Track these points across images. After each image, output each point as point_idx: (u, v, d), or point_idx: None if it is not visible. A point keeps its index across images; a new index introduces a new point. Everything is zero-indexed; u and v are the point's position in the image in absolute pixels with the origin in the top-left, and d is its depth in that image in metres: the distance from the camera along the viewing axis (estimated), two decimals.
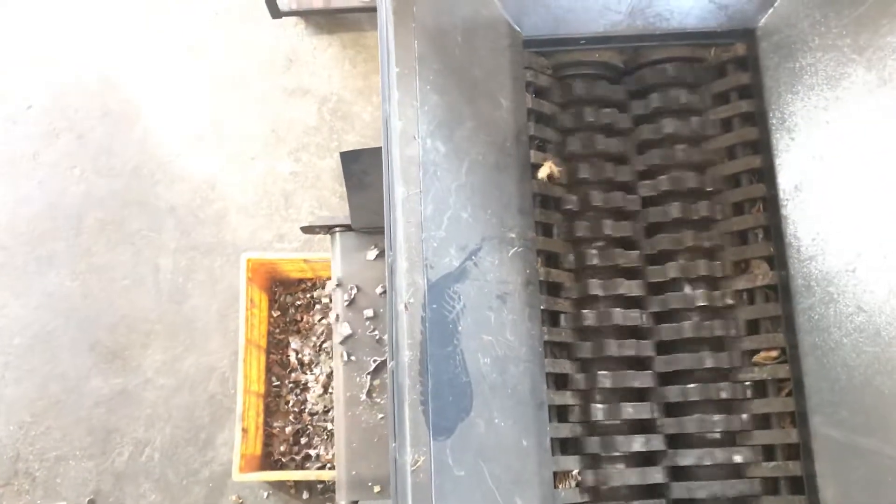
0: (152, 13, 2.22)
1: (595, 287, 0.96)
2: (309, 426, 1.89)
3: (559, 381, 0.95)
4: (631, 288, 0.97)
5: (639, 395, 0.97)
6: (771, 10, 0.98)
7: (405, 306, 0.78)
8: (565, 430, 0.93)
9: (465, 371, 0.81)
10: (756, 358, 0.95)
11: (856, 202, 0.88)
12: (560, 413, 0.94)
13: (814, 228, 0.90)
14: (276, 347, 1.96)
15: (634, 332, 0.98)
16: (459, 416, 0.79)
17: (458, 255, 0.83)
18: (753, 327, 0.97)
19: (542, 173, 0.98)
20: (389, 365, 0.66)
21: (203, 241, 2.08)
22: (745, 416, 0.94)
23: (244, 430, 1.73)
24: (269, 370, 1.94)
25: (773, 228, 0.95)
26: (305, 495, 1.86)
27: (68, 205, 2.10)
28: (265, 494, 1.88)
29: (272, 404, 1.91)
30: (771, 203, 0.96)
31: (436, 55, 0.85)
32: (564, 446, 0.93)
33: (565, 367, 0.95)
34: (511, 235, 0.90)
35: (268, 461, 1.87)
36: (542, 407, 0.89)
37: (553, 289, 0.97)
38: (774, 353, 0.94)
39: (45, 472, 1.93)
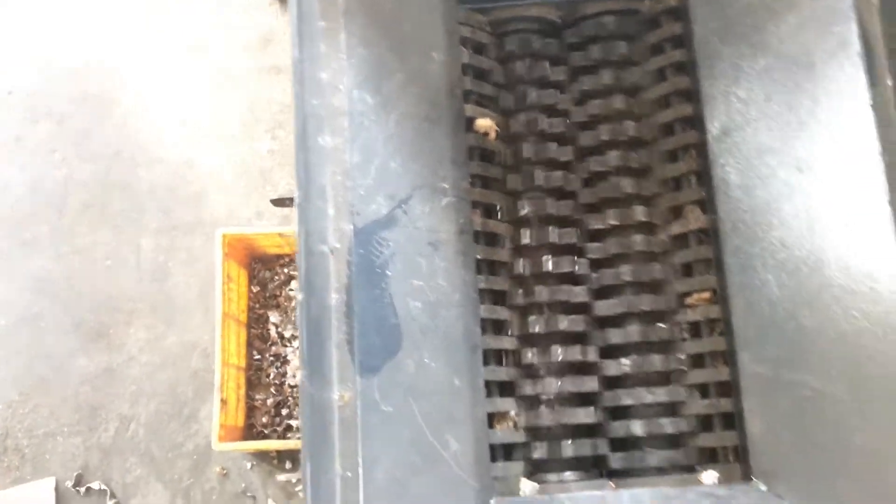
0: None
1: (530, 236, 0.99)
2: (289, 398, 1.92)
3: (497, 327, 0.98)
4: (566, 236, 0.99)
5: (576, 338, 0.99)
6: None
7: (331, 251, 0.80)
8: (502, 374, 0.96)
9: (394, 313, 0.83)
10: (689, 300, 0.97)
11: (777, 144, 0.90)
12: (497, 357, 0.97)
13: (739, 171, 0.92)
14: (256, 322, 1.99)
15: (571, 279, 1.00)
16: (387, 355, 0.82)
17: (387, 203, 0.86)
18: (688, 271, 0.99)
19: (480, 127, 1.01)
20: (298, 301, 0.68)
21: (183, 221, 2.11)
22: (680, 356, 0.97)
23: (223, 401, 1.76)
24: (250, 344, 1.98)
25: (705, 174, 0.97)
26: (288, 465, 1.90)
27: (50, 189, 2.13)
28: (248, 465, 1.92)
29: (254, 378, 1.95)
30: (702, 149, 0.98)
31: (363, 9, 0.87)
32: (502, 388, 0.96)
33: (502, 313, 0.98)
34: (444, 185, 0.92)
35: (250, 433, 1.90)
36: (476, 350, 0.91)
37: (490, 239, 1.00)
38: (706, 295, 0.96)
39: (34, 449, 1.97)
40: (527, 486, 0.93)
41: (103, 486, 1.93)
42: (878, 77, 0.85)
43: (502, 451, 0.94)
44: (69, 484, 1.93)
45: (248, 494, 1.90)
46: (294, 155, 0.70)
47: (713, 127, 0.96)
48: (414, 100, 0.91)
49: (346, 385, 0.79)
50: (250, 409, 1.92)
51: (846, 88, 0.85)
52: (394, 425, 0.81)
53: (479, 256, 0.96)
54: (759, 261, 0.90)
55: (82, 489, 1.92)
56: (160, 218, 2.11)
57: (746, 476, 0.89)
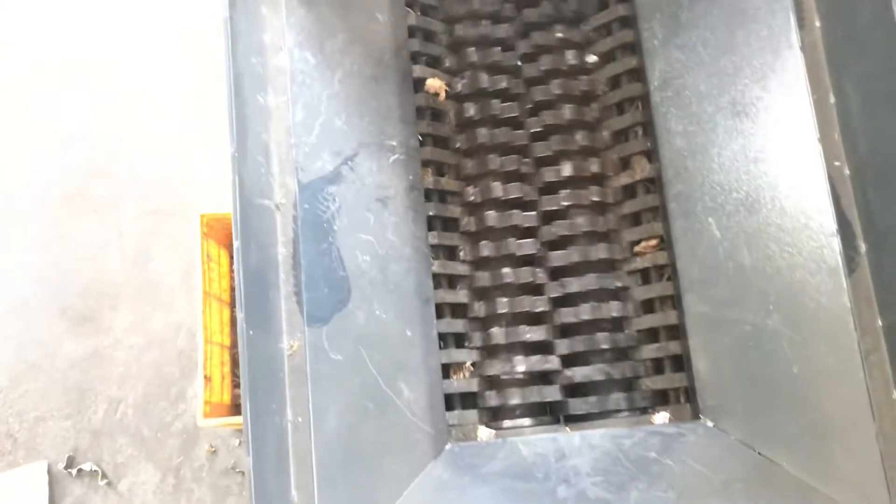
0: None
1: (483, 193, 1.01)
2: None
3: (452, 281, 1.00)
4: (514, 191, 1.01)
5: (530, 290, 1.01)
6: None
7: (277, 206, 0.83)
8: (457, 326, 0.98)
9: (342, 266, 0.86)
10: (637, 248, 1.00)
11: (714, 91, 0.91)
12: (454, 310, 0.99)
13: (680, 119, 0.94)
14: None
15: (525, 233, 1.02)
16: (336, 306, 0.84)
17: (333, 160, 0.88)
18: (637, 220, 1.01)
19: (430, 87, 1.03)
20: (235, 249, 0.70)
21: (165, 205, 2.13)
22: (630, 303, 0.99)
23: (207, 378, 1.79)
24: (234, 324, 2.00)
25: (650, 124, 0.99)
26: None
27: (34, 178, 2.16)
28: (237, 442, 1.94)
29: (239, 355, 1.97)
30: (646, 100, 1.00)
31: None
32: (458, 340, 0.98)
33: (456, 268, 1.00)
34: (391, 143, 0.94)
35: (238, 410, 1.93)
36: (429, 302, 0.94)
37: (443, 196, 1.02)
38: (654, 242, 0.98)
39: (26, 433, 2.00)
40: (483, 433, 0.95)
41: (94, 468, 1.96)
42: (805, 20, 0.87)
43: (459, 400, 0.97)
44: (61, 466, 1.97)
45: (237, 470, 1.93)
46: (227, 111, 0.72)
47: (654, 77, 0.98)
48: (358, 59, 0.93)
49: (295, 336, 0.81)
50: (237, 387, 1.95)
51: (777, 32, 0.87)
52: (344, 373, 0.83)
53: (431, 213, 0.99)
54: (699, 205, 0.92)
55: (74, 471, 1.95)
56: (141, 203, 2.13)
57: (695, 414, 0.92)
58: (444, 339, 0.97)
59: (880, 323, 0.80)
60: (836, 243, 0.82)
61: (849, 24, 0.82)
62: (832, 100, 0.84)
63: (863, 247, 0.82)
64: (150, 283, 2.07)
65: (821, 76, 0.85)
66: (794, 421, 0.83)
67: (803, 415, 0.83)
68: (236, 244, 0.70)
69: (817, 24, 0.87)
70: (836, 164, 0.84)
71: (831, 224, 0.82)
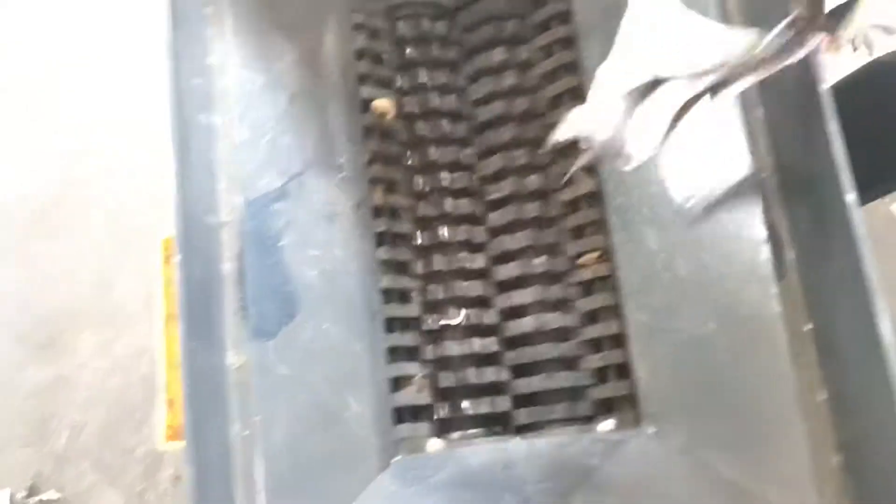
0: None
1: (428, 208, 1.03)
2: None
3: (402, 296, 1.02)
4: (462, 206, 1.04)
5: (477, 303, 1.03)
6: None
7: (222, 223, 0.84)
8: (407, 339, 1.00)
9: (290, 281, 0.87)
10: (581, 260, 1.02)
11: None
12: (405, 324, 1.01)
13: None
14: None
15: (476, 248, 1.05)
16: (283, 321, 0.86)
17: (279, 178, 0.90)
18: (580, 233, 1.04)
19: (377, 108, 1.05)
20: (176, 264, 0.72)
21: (129, 228, 2.13)
22: (574, 314, 1.02)
23: (170, 402, 1.78)
24: None
25: None
26: None
27: None
28: None
29: None
30: None
31: None
32: (408, 353, 1.00)
33: (406, 283, 1.02)
34: (339, 161, 0.97)
35: None
36: (376, 316, 0.95)
37: (393, 213, 1.04)
38: (596, 255, 1.01)
39: None
40: (433, 445, 0.97)
41: (57, 495, 1.94)
42: None
43: (410, 413, 0.98)
44: (22, 495, 1.94)
45: None
46: (170, 130, 0.74)
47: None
48: (306, 80, 0.95)
49: (242, 350, 0.82)
50: None
51: None
52: (291, 387, 0.84)
53: (381, 229, 1.01)
54: (637, 216, 0.95)
55: (36, 499, 1.93)
56: (107, 226, 2.14)
57: (638, 421, 0.94)
58: (395, 353, 0.99)
59: (808, 327, 0.83)
60: (766, 251, 0.85)
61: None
62: (759, 111, 0.88)
63: (791, 253, 0.85)
64: (115, 307, 2.06)
65: (749, 88, 0.89)
66: (729, 425, 0.86)
67: (738, 419, 0.85)
68: (177, 259, 0.72)
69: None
70: (765, 174, 0.87)
71: (761, 232, 0.85)
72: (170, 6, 0.75)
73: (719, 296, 0.87)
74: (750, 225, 0.86)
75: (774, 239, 0.86)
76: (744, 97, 0.89)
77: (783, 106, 0.85)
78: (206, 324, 0.79)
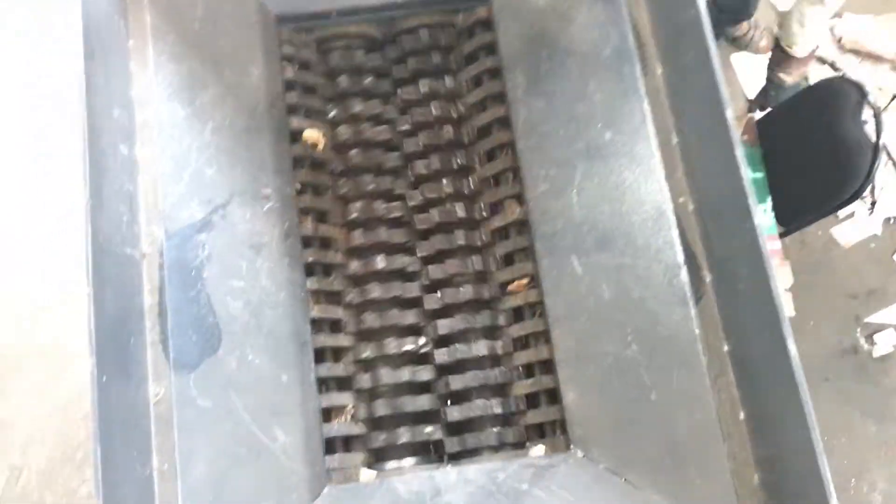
0: None
1: (362, 238, 1.04)
2: None
3: (334, 326, 1.02)
4: (395, 235, 1.05)
5: (409, 332, 1.03)
6: None
7: (142, 256, 0.84)
8: (339, 369, 0.99)
9: (212, 313, 0.87)
10: (510, 287, 1.03)
11: (572, 134, 0.97)
12: (335, 354, 1.00)
13: (542, 163, 0.99)
14: None
15: (402, 276, 1.05)
16: (205, 353, 0.85)
17: (202, 209, 0.89)
18: (509, 260, 1.05)
19: (307, 139, 1.06)
20: (87, 297, 0.71)
21: (70, 268, 2.09)
22: (505, 340, 1.02)
23: None
24: None
25: (518, 169, 1.04)
26: None
27: None
28: None
29: None
30: (514, 147, 1.04)
31: (171, 26, 0.92)
32: (340, 384, 1.00)
33: (337, 312, 1.02)
34: (266, 191, 0.97)
35: None
36: (306, 347, 0.95)
37: (324, 243, 1.04)
38: (525, 281, 1.02)
39: None
40: (365, 474, 0.96)
41: None
42: (648, 67, 0.93)
43: (342, 444, 0.97)
44: None
45: None
46: (81, 161, 0.72)
47: (520, 125, 1.03)
48: (230, 112, 0.95)
49: (162, 383, 0.81)
50: None
51: (625, 79, 0.94)
52: (213, 419, 0.83)
53: (310, 259, 1.01)
54: (562, 244, 0.96)
55: None
56: (46, 264, 2.09)
57: (568, 445, 0.95)
58: (326, 383, 0.99)
59: (726, 348, 0.85)
60: (684, 274, 0.87)
61: (680, 68, 0.89)
62: (675, 140, 0.91)
63: (707, 276, 0.87)
64: (54, 347, 2.02)
65: (664, 119, 0.92)
66: (654, 446, 0.87)
67: (662, 439, 0.86)
68: (86, 292, 0.71)
69: (658, 71, 0.93)
70: (681, 199, 0.89)
71: (678, 256, 0.87)
72: (83, 37, 0.75)
73: (641, 319, 0.89)
74: (668, 249, 0.88)
75: (691, 262, 0.88)
76: (659, 123, 0.92)
77: (695, 131, 0.88)
78: (122, 357, 0.78)
